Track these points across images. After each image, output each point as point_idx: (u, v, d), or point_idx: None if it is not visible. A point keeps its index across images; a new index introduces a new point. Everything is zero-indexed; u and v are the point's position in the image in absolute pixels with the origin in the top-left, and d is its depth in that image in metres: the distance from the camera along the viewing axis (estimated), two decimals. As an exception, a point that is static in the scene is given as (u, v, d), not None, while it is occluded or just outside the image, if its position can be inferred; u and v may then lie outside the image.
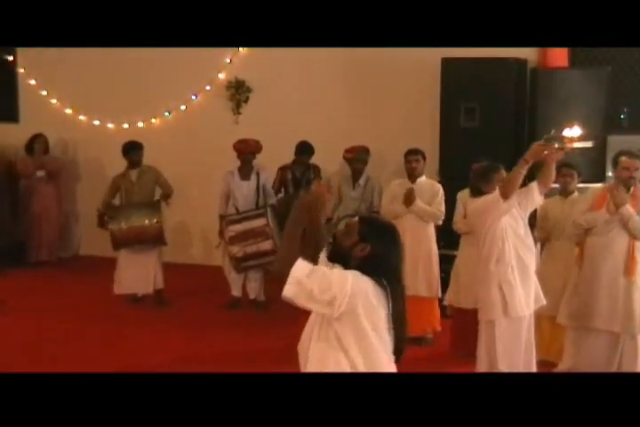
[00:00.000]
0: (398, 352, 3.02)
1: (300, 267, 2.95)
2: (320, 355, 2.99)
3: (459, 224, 6.23)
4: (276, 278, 3.02)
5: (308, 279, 2.92)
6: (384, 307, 2.96)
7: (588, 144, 4.81)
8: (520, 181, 4.83)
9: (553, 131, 4.82)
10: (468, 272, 6.24)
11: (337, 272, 2.98)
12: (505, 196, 4.81)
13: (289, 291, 2.96)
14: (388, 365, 2.99)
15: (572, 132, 4.71)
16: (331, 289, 2.90)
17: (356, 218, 3.16)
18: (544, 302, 5.12)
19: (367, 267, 3.00)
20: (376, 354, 2.95)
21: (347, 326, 2.95)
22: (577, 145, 4.73)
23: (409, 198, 6.37)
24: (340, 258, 3.07)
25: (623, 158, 5.25)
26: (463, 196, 6.16)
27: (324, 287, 2.90)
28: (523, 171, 4.77)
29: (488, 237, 4.94)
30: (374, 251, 3.02)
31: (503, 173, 5.11)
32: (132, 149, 7.64)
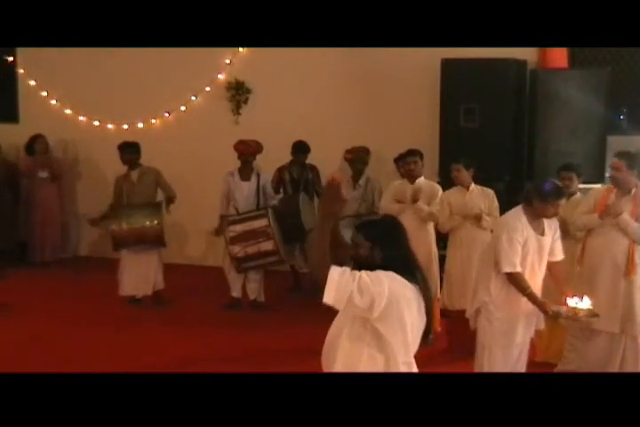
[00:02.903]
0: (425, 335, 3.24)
1: (337, 273, 3.06)
2: (353, 353, 3.11)
3: (446, 225, 6.33)
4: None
5: (345, 285, 3.03)
6: (418, 299, 3.12)
7: (595, 320, 4.72)
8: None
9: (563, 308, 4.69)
10: (456, 273, 6.27)
11: (372, 275, 3.07)
12: (507, 275, 4.77)
13: (329, 298, 3.06)
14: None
15: (583, 304, 4.65)
16: (369, 292, 3.01)
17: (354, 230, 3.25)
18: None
19: (392, 266, 3.11)
20: (414, 347, 3.14)
21: (387, 324, 3.07)
22: (584, 320, 4.70)
23: (415, 196, 6.41)
24: (367, 268, 3.15)
25: (613, 158, 5.29)
26: (448, 195, 6.31)
27: (362, 291, 3.01)
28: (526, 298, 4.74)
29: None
30: (388, 248, 3.15)
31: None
32: (126, 147, 7.63)
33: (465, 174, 6.26)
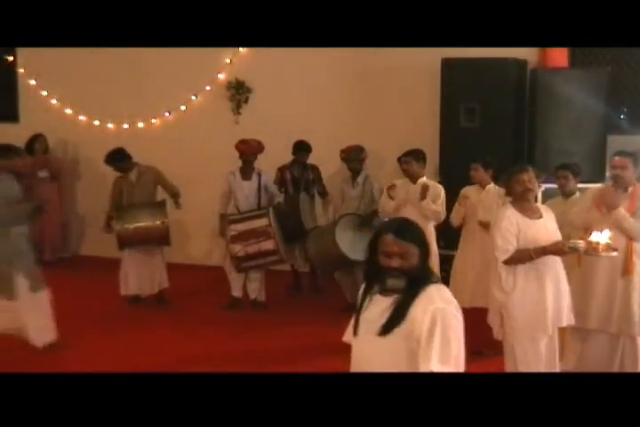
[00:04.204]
0: None
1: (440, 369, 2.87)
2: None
3: (454, 218, 6.40)
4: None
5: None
6: None
7: (614, 254, 4.69)
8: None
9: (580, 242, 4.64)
10: (462, 270, 6.28)
11: (454, 340, 2.90)
12: (505, 263, 4.71)
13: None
14: None
15: (601, 237, 4.61)
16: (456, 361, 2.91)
17: (390, 235, 2.96)
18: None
19: (433, 275, 3.06)
20: None
21: None
22: (603, 254, 4.64)
23: (423, 193, 6.46)
24: (417, 282, 2.97)
25: (614, 157, 5.28)
26: (466, 191, 6.36)
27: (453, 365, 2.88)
28: (535, 258, 4.65)
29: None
30: (427, 254, 3.03)
31: (524, 176, 4.84)
32: (112, 161, 7.53)
33: (482, 174, 6.27)
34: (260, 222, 7.12)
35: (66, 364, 5.77)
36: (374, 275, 3.05)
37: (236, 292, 7.53)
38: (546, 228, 4.76)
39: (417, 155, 6.63)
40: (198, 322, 7.12)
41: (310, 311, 7.36)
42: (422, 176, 6.67)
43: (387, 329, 2.92)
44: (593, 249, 4.61)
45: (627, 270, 5.14)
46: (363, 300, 3.08)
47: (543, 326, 4.75)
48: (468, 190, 6.36)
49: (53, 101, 9.74)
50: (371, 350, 2.98)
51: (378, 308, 3.00)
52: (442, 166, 7.61)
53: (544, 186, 6.29)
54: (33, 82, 9.79)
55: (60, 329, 6.75)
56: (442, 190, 6.60)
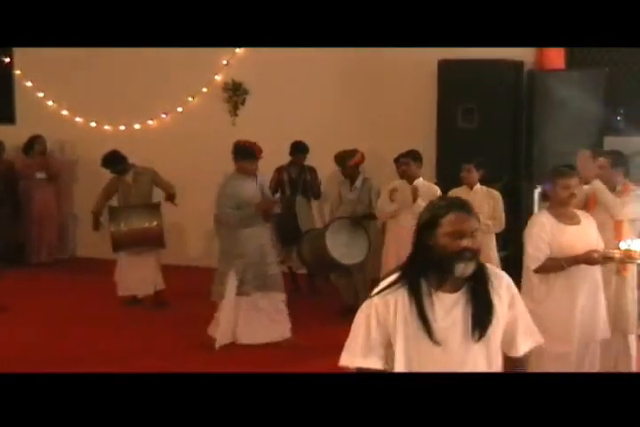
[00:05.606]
0: None
1: None
2: (489, 349, 2.81)
3: None
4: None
5: None
6: None
7: None
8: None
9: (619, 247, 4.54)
10: None
11: None
12: (536, 271, 4.53)
13: None
14: None
15: (635, 244, 4.49)
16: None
17: (462, 212, 2.74)
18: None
19: None
20: None
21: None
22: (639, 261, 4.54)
23: (414, 194, 6.43)
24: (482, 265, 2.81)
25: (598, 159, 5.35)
26: (454, 192, 6.27)
27: None
28: (566, 267, 4.46)
29: None
30: None
31: (572, 181, 4.56)
32: (108, 165, 7.55)
33: (475, 175, 6.26)
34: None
35: (63, 365, 5.75)
36: (427, 267, 2.75)
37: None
38: (584, 234, 4.53)
39: (415, 155, 6.63)
40: (195, 323, 7.10)
41: (308, 313, 7.34)
42: (419, 177, 6.66)
43: (483, 332, 2.71)
44: (628, 257, 4.48)
45: (621, 269, 5.12)
46: (420, 303, 2.73)
47: (567, 341, 4.53)
48: (457, 192, 6.32)
49: (50, 103, 9.73)
50: (464, 358, 2.74)
51: (447, 308, 2.73)
52: (439, 167, 7.61)
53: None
54: (29, 83, 9.78)
55: (57, 330, 6.76)
56: (437, 191, 6.58)
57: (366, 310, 2.81)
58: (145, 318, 7.34)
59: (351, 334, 2.86)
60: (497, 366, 2.81)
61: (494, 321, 2.74)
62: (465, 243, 2.69)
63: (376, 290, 2.82)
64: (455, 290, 2.75)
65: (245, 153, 6.28)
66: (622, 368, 5.21)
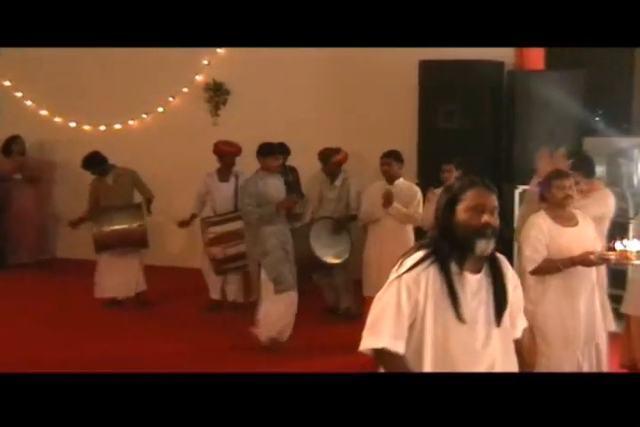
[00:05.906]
0: None
1: None
2: (505, 334, 2.87)
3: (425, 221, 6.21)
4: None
5: None
6: None
7: None
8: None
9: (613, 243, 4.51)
10: None
11: None
12: (532, 273, 4.53)
13: None
14: None
15: (631, 245, 4.46)
16: None
17: (483, 188, 2.78)
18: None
19: None
20: None
21: None
22: (637, 262, 4.51)
23: (387, 200, 6.39)
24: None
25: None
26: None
27: None
28: (563, 269, 4.46)
29: None
30: None
31: (566, 182, 4.57)
32: (89, 166, 7.52)
33: (455, 175, 6.25)
34: (238, 224, 7.09)
35: (44, 366, 5.70)
36: (452, 246, 2.77)
37: (215, 294, 7.51)
38: (581, 236, 4.53)
39: (397, 155, 6.63)
40: (178, 324, 7.09)
41: (304, 312, 7.29)
42: (400, 177, 6.66)
43: (501, 316, 2.81)
44: (625, 258, 4.47)
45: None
46: (450, 281, 2.75)
47: (574, 341, 4.54)
48: (437, 193, 6.29)
49: (28, 103, 9.67)
50: (487, 338, 2.80)
51: (473, 289, 2.78)
52: (420, 168, 7.63)
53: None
54: (8, 83, 9.70)
55: (37, 331, 6.71)
56: (417, 192, 6.56)
57: (395, 288, 2.79)
58: (126, 318, 7.30)
59: (376, 315, 2.82)
60: (512, 349, 2.88)
61: (508, 306, 2.82)
62: (486, 218, 2.72)
63: (404, 268, 2.80)
64: (477, 271, 2.81)
65: (266, 150, 6.27)
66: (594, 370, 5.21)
